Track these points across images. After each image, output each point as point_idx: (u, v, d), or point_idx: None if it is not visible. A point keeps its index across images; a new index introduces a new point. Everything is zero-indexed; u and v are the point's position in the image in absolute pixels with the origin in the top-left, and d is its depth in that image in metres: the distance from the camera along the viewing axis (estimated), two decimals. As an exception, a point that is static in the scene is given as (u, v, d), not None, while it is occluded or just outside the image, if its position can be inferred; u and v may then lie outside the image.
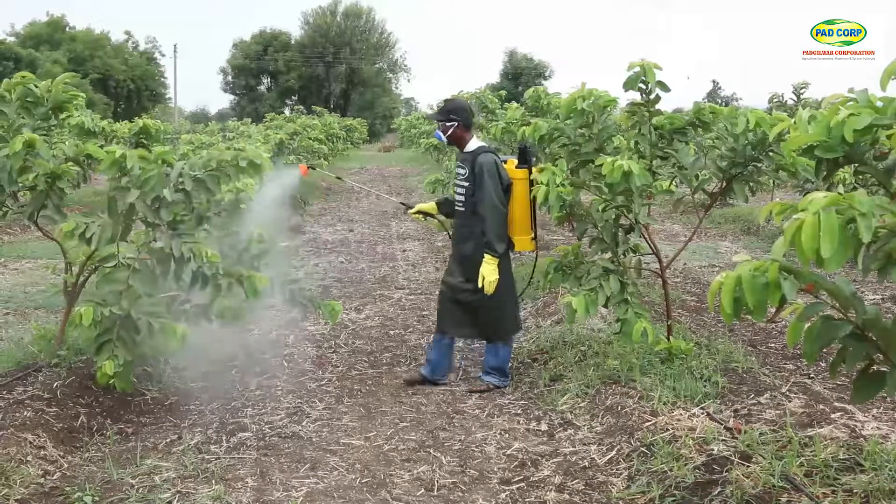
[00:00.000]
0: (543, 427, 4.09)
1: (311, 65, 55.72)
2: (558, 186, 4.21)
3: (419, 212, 4.86)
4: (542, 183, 4.23)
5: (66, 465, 3.54)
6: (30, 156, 4.07)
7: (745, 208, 11.26)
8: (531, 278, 5.03)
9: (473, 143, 4.58)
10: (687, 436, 3.47)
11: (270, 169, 4.40)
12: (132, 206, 3.91)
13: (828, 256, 1.52)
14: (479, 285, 4.42)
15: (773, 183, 9.45)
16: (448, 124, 4.55)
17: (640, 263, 4.76)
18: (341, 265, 9.01)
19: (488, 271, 4.41)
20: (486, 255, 4.41)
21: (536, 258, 4.98)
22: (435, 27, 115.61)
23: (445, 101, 4.86)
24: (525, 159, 4.54)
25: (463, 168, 4.54)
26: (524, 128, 5.04)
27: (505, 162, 4.54)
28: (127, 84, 48.00)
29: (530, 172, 4.48)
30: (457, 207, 4.63)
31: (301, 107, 36.80)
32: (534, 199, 4.43)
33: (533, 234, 4.60)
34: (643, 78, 4.22)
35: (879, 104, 1.89)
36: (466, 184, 4.50)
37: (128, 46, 53.10)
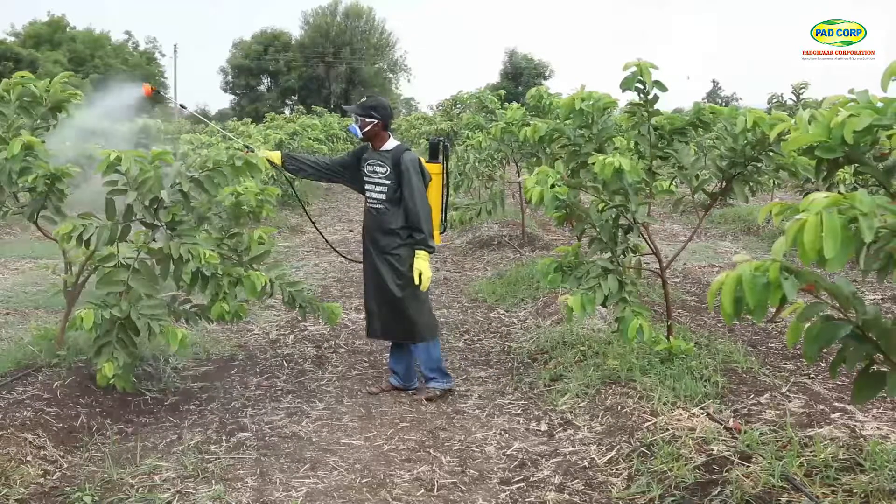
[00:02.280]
0: (543, 427, 4.09)
1: (311, 65, 55.69)
2: (552, 188, 4.21)
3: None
4: (533, 185, 4.22)
5: (65, 465, 3.53)
6: (29, 157, 4.07)
7: (745, 208, 11.28)
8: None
9: (392, 142, 4.56)
10: (687, 436, 3.47)
11: (267, 169, 4.40)
12: (130, 208, 3.91)
13: (831, 256, 1.52)
14: (417, 282, 4.40)
15: (773, 183, 9.45)
16: (368, 120, 4.48)
17: (640, 263, 4.76)
18: (341, 265, 9.01)
19: (425, 267, 4.40)
20: (420, 251, 4.41)
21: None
22: (435, 27, 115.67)
23: (367, 96, 4.81)
24: (436, 154, 4.61)
25: (383, 166, 4.49)
26: (525, 128, 5.04)
27: None
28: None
29: (445, 167, 4.67)
30: (373, 206, 4.55)
31: (301, 107, 36.80)
32: (447, 193, 4.72)
33: (443, 228, 4.75)
34: (640, 78, 4.22)
35: (880, 105, 1.89)
36: (388, 181, 4.47)
37: (128, 46, 53.16)
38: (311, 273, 8.45)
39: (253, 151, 4.56)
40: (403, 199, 4.43)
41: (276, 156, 4.69)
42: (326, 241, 5.58)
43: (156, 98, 5.05)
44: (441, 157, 4.66)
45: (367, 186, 4.59)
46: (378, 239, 4.53)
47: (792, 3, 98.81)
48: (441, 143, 4.69)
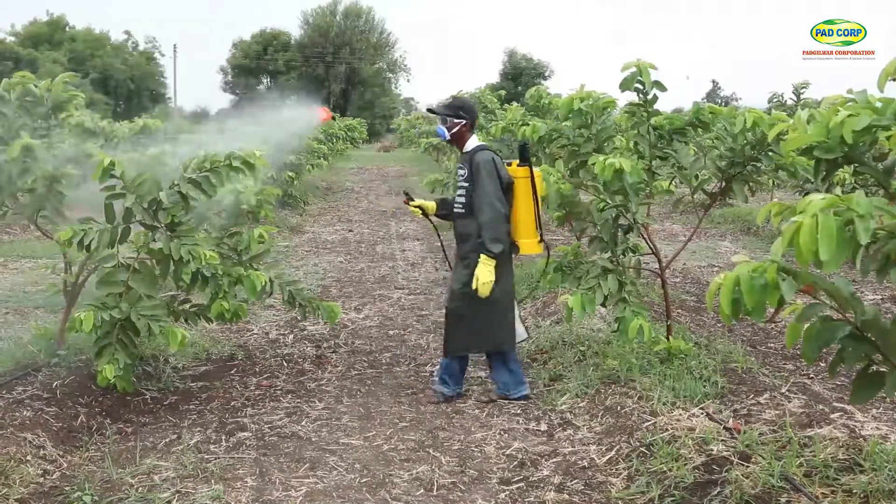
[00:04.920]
0: (543, 427, 4.09)
1: (310, 65, 55.70)
2: (555, 183, 4.22)
3: (419, 207, 4.64)
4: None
5: (65, 465, 3.54)
6: (29, 158, 4.08)
7: (745, 208, 11.26)
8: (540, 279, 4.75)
9: (472, 143, 4.43)
10: (686, 436, 3.48)
11: (266, 166, 4.35)
12: (129, 210, 3.92)
13: (826, 259, 1.52)
14: (474, 286, 4.21)
15: (773, 183, 9.45)
16: (456, 121, 4.37)
17: (640, 263, 4.76)
18: (341, 265, 9.01)
19: (483, 272, 4.19)
20: (481, 255, 4.21)
21: (549, 257, 4.63)
22: (434, 27, 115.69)
23: (453, 97, 4.67)
24: (525, 157, 4.36)
25: (463, 168, 4.38)
26: (524, 128, 5.04)
27: (509, 165, 4.37)
28: (127, 84, 48.01)
29: (531, 170, 4.33)
30: (456, 209, 4.45)
31: (301, 106, 36.79)
32: (537, 199, 4.32)
33: (539, 237, 4.39)
34: (639, 78, 4.22)
35: (878, 105, 1.89)
36: (466, 184, 4.34)
37: (128, 46, 53.20)
38: (310, 273, 8.45)
39: (413, 200, 4.63)
40: (473, 202, 4.28)
41: (432, 206, 4.64)
42: (443, 250, 5.24)
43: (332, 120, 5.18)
44: (530, 160, 4.37)
45: (456, 190, 4.54)
46: (458, 244, 4.46)
47: (792, 3, 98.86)
48: (527, 144, 4.43)
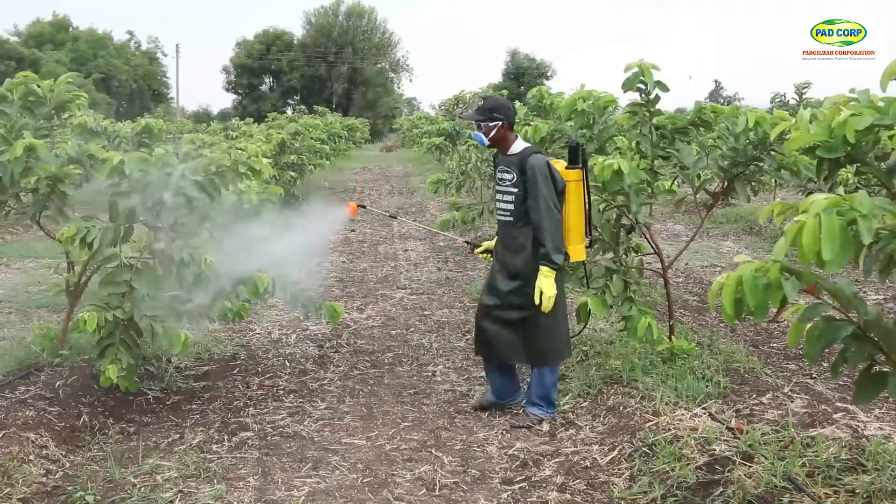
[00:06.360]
0: (545, 427, 4.09)
1: (313, 64, 55.76)
2: None
3: (485, 251, 4.39)
4: None
5: (68, 465, 3.54)
6: (31, 158, 4.09)
7: (748, 208, 11.26)
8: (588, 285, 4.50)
9: (519, 144, 4.07)
10: (689, 436, 3.47)
11: (270, 173, 4.35)
12: (133, 210, 3.93)
13: (829, 258, 1.52)
14: (536, 301, 3.91)
15: (775, 182, 9.44)
16: (491, 124, 4.01)
17: (642, 263, 4.76)
18: (343, 265, 9.01)
19: (546, 285, 3.88)
20: (543, 267, 3.90)
21: (586, 266, 4.44)
22: (436, 27, 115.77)
23: (483, 98, 4.51)
24: (575, 159, 4.04)
25: (509, 172, 4.01)
26: (526, 128, 5.04)
27: None
28: (129, 84, 48.12)
29: (585, 173, 4.05)
30: (501, 217, 4.12)
31: (303, 106, 36.90)
32: (589, 202, 4.08)
33: (587, 242, 4.15)
34: (641, 78, 4.22)
35: (881, 104, 1.89)
36: (515, 190, 3.98)
37: (130, 46, 53.31)
38: (312, 272, 8.45)
39: (476, 247, 4.50)
40: (529, 210, 3.95)
41: (493, 243, 4.35)
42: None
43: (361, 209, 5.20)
44: (580, 162, 4.05)
45: (496, 196, 4.17)
46: (504, 255, 4.12)
47: (793, 3, 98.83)
48: (580, 146, 4.08)
